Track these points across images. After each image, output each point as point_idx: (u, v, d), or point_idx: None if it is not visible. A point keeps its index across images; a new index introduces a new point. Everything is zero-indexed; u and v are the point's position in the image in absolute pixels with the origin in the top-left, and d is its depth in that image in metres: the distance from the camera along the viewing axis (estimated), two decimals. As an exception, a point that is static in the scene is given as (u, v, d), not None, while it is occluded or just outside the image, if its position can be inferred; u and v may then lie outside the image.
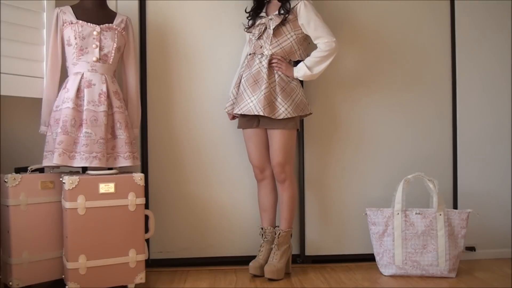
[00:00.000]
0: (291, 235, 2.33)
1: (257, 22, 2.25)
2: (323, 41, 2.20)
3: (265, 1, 2.31)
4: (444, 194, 2.54)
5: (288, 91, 2.20)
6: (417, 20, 2.61)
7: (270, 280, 2.20)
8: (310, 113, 2.31)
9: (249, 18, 2.31)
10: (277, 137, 2.21)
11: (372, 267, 2.41)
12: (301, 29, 2.23)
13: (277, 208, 2.36)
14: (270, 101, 2.15)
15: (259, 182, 2.35)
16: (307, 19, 2.19)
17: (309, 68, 2.21)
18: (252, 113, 2.16)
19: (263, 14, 2.28)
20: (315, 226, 2.53)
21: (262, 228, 2.33)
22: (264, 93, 2.14)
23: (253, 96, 2.17)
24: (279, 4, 2.22)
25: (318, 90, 2.52)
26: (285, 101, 2.16)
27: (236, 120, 2.38)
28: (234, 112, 2.25)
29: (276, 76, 2.20)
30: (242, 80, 2.23)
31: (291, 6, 2.20)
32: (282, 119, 2.17)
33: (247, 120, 2.27)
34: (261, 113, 2.13)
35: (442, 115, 2.62)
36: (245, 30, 2.31)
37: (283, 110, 2.15)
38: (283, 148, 2.21)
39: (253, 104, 2.16)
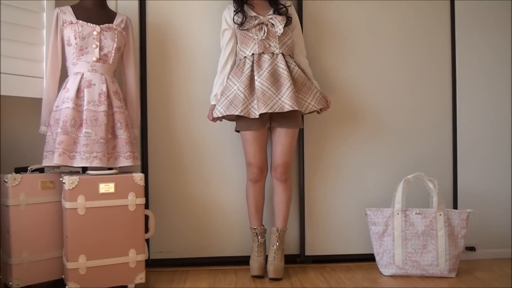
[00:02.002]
0: None
1: (254, 22, 2.22)
2: (304, 54, 2.36)
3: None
4: (444, 194, 2.55)
5: (308, 86, 2.25)
6: (417, 20, 2.61)
7: (273, 279, 2.21)
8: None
9: (236, 13, 2.25)
10: (288, 136, 2.22)
11: (372, 267, 2.41)
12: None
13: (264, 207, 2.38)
14: (296, 96, 2.18)
15: (254, 183, 2.30)
16: (295, 23, 2.34)
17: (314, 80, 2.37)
18: (285, 110, 2.12)
19: (252, 13, 2.26)
20: (315, 226, 2.53)
21: (255, 228, 2.33)
22: (292, 89, 2.15)
23: (279, 93, 2.15)
24: (268, 5, 2.29)
25: (318, 90, 2.53)
26: (307, 96, 2.22)
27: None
28: (262, 111, 2.12)
29: (294, 72, 2.22)
30: (259, 79, 2.16)
31: (287, 8, 2.28)
32: (294, 117, 2.21)
33: (259, 121, 2.20)
34: (295, 108, 2.12)
35: (442, 115, 2.62)
36: (239, 28, 2.23)
37: (308, 103, 2.22)
38: (291, 147, 2.25)
39: (282, 101, 2.13)
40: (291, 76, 2.19)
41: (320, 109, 2.32)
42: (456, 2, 2.62)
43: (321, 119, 2.52)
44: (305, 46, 2.48)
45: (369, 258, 2.46)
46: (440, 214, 2.28)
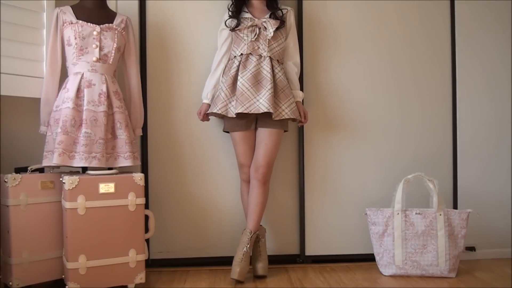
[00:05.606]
0: None
1: (248, 24, 2.23)
2: (297, 60, 2.36)
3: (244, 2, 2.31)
4: (444, 194, 2.55)
5: (286, 93, 2.23)
6: (417, 20, 2.61)
7: (261, 277, 2.24)
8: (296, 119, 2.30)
9: (231, 16, 2.28)
10: (272, 136, 2.23)
11: (372, 267, 2.41)
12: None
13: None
14: (274, 100, 2.18)
15: (246, 182, 2.32)
16: (291, 29, 2.34)
17: (299, 89, 2.36)
18: (260, 111, 2.14)
19: (247, 15, 2.27)
20: (315, 226, 2.53)
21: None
22: (271, 92, 2.15)
23: (258, 95, 2.16)
24: (266, 8, 2.29)
25: (318, 90, 2.53)
26: (283, 102, 2.20)
27: None
28: (237, 111, 2.15)
29: (277, 77, 2.22)
30: (241, 80, 2.19)
31: (283, 13, 2.29)
32: (281, 119, 2.20)
33: (244, 122, 2.24)
34: (271, 111, 2.13)
35: (442, 115, 2.62)
36: (231, 30, 2.27)
37: (281, 110, 2.19)
38: (274, 148, 2.24)
39: (259, 103, 2.15)
40: (274, 79, 2.21)
41: (299, 122, 2.34)
42: (456, 2, 2.62)
43: (321, 119, 2.52)
44: (305, 47, 2.49)
45: (369, 258, 2.46)
46: (440, 214, 2.28)
